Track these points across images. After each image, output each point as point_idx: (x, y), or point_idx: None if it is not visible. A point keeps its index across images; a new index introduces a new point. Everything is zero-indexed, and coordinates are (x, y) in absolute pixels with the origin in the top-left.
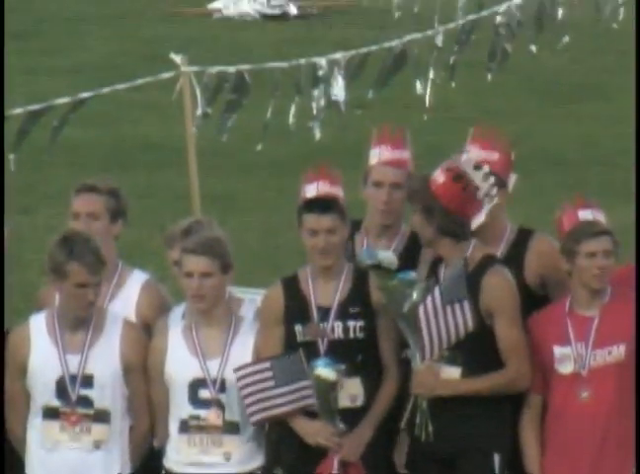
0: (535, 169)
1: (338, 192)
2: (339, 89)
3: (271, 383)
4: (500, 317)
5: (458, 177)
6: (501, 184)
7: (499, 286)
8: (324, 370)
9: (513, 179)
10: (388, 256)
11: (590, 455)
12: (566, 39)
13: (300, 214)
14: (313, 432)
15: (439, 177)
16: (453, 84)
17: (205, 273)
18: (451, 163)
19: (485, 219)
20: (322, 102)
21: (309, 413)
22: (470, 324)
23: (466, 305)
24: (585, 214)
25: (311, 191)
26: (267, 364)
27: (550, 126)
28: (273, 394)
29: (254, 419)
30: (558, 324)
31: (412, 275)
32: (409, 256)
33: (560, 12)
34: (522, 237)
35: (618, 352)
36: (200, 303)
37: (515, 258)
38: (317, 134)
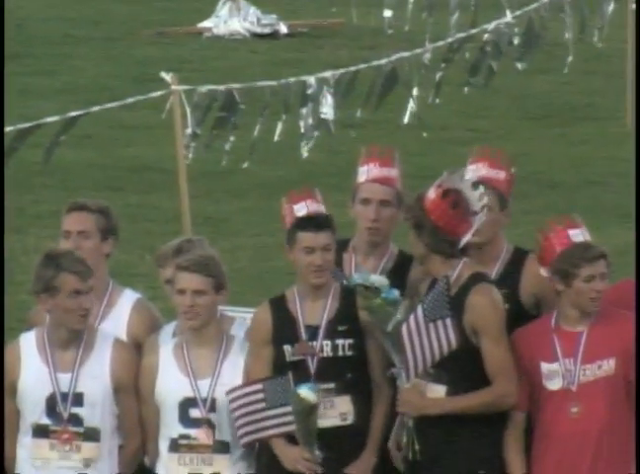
0: (526, 190)
1: (325, 210)
2: (328, 107)
3: (261, 405)
4: (485, 335)
5: (447, 194)
6: (504, 204)
7: (483, 304)
8: (305, 392)
9: None
10: (380, 279)
11: (582, 472)
12: (570, 58)
13: (294, 233)
14: (292, 457)
15: (430, 193)
16: (438, 100)
17: (198, 290)
18: (444, 179)
19: (474, 239)
20: (310, 120)
21: (293, 438)
22: (454, 342)
23: (449, 323)
24: (575, 234)
25: (301, 210)
26: (259, 386)
27: (541, 148)
28: (262, 416)
29: (244, 441)
30: (544, 340)
31: (395, 293)
32: (397, 275)
33: (567, 35)
34: (518, 257)
35: (609, 366)
36: (191, 321)
37: (510, 277)
38: (304, 153)
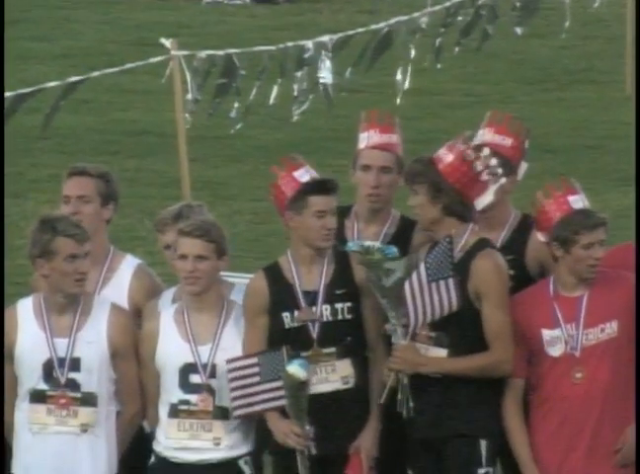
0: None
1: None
2: (326, 71)
3: (257, 379)
4: (487, 300)
5: (465, 156)
6: (511, 169)
7: (488, 270)
8: (295, 368)
9: (523, 167)
10: (375, 245)
11: (585, 437)
12: (567, 23)
13: (303, 198)
14: (282, 431)
15: (445, 156)
16: (439, 66)
17: (200, 255)
18: (456, 143)
19: (492, 200)
20: (305, 85)
21: (285, 412)
22: (455, 303)
23: (451, 283)
24: (575, 201)
25: (304, 175)
26: (255, 360)
27: (539, 112)
28: (256, 390)
29: (237, 413)
30: (544, 307)
31: (394, 250)
32: (399, 240)
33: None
34: (525, 224)
35: (612, 328)
36: (192, 286)
37: (516, 244)
38: (295, 116)
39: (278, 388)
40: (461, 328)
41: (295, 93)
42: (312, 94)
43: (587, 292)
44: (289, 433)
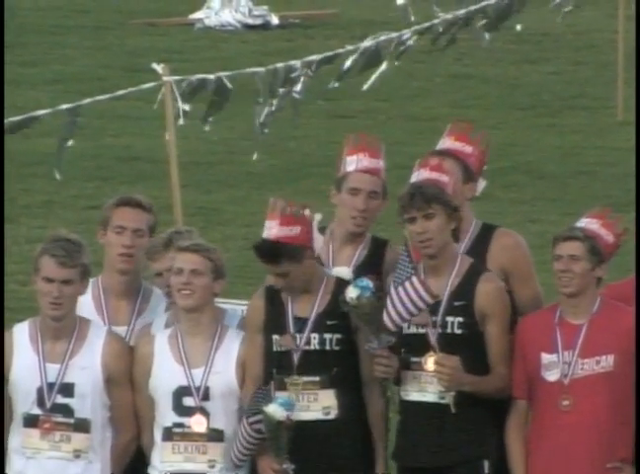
0: (516, 180)
1: (291, 231)
2: (301, 86)
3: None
4: (494, 322)
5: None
6: (469, 176)
7: (494, 293)
8: (274, 408)
9: (482, 184)
10: (342, 271)
11: (579, 467)
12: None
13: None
14: (262, 466)
15: (441, 177)
16: (397, 63)
17: (196, 269)
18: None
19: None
20: (283, 102)
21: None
22: (427, 297)
23: (415, 281)
24: (581, 222)
25: (266, 230)
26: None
27: (531, 138)
28: (242, 425)
29: (235, 461)
30: (547, 331)
31: (365, 281)
32: (372, 260)
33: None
34: (486, 232)
35: (607, 362)
36: (186, 299)
37: (478, 252)
38: (265, 130)
39: (259, 421)
40: (468, 353)
41: (273, 108)
42: (284, 110)
43: (588, 321)
44: (267, 468)
